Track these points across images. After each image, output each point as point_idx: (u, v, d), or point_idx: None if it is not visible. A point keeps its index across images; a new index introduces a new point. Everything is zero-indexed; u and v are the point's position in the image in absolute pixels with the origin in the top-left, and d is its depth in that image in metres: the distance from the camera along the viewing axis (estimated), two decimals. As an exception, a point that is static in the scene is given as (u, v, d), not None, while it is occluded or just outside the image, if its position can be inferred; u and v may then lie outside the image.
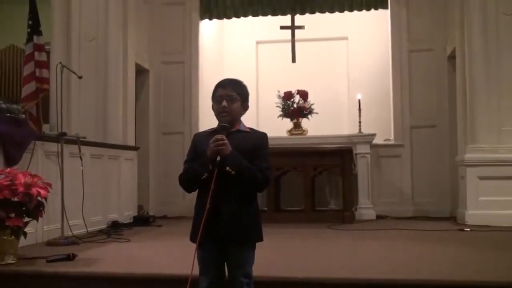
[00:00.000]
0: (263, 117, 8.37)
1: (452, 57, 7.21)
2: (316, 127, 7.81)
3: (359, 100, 7.63)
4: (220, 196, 2.42)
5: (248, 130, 2.63)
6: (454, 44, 6.87)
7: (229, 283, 2.53)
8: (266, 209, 6.70)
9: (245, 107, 2.63)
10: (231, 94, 2.57)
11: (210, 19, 8.27)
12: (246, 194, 2.52)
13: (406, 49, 7.68)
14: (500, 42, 6.20)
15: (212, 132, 2.56)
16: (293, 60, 8.27)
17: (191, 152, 2.63)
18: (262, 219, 2.61)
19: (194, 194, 2.60)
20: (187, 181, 2.58)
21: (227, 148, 2.43)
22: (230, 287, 2.52)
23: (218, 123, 2.56)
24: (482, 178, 6.05)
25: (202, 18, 8.22)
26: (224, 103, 2.54)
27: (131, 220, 6.71)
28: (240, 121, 2.63)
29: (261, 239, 2.57)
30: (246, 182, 2.48)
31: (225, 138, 2.44)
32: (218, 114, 2.58)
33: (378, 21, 8.29)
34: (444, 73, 7.53)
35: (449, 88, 7.41)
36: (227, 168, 2.42)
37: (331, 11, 7.97)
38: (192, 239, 2.53)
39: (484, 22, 6.23)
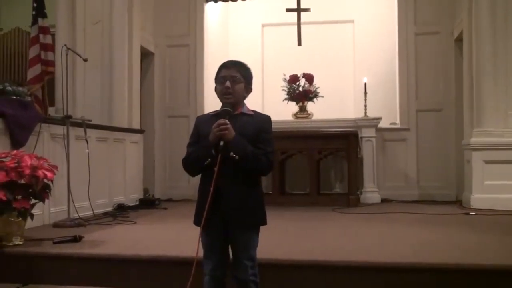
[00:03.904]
0: (268, 100, 8.36)
1: (459, 40, 7.15)
2: (321, 111, 7.80)
3: (365, 84, 7.60)
4: (224, 180, 2.42)
5: (252, 113, 2.60)
6: (461, 27, 6.80)
7: (233, 266, 2.54)
8: (271, 192, 6.72)
9: (248, 89, 2.61)
10: (235, 75, 2.55)
11: (216, 1, 8.20)
12: (249, 177, 2.52)
13: (413, 32, 7.61)
14: (509, 26, 6.14)
15: (215, 115, 2.55)
16: (299, 43, 8.22)
17: (194, 135, 2.62)
18: (267, 202, 2.61)
19: (199, 177, 2.60)
20: (191, 165, 2.57)
21: (230, 132, 2.41)
22: (234, 269, 2.53)
23: (221, 106, 2.55)
24: (488, 162, 6.04)
25: (207, 1, 8.16)
26: (228, 83, 2.52)
27: (137, 203, 6.75)
28: (243, 104, 2.61)
29: (264, 223, 2.58)
30: (250, 166, 2.47)
31: (228, 122, 2.41)
32: (221, 95, 2.56)
33: (385, 4, 8.23)
34: (451, 57, 7.47)
35: (455, 72, 7.36)
36: (231, 153, 2.41)
37: (338, -7, 7.91)
38: (196, 223, 2.54)
39: (493, 5, 6.16)
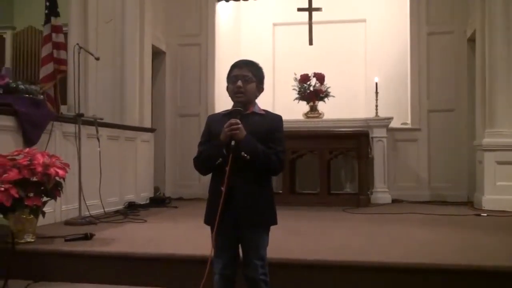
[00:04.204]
0: (279, 100, 8.34)
1: (472, 40, 7.09)
2: (332, 110, 7.77)
3: (376, 83, 7.57)
4: (235, 179, 2.42)
5: (263, 112, 2.60)
6: (474, 26, 6.75)
7: (243, 265, 2.54)
8: (281, 191, 6.71)
9: (260, 89, 2.61)
10: (247, 75, 2.55)
11: (227, 0, 8.20)
12: (260, 177, 2.51)
13: (425, 31, 7.56)
14: (522, 25, 6.09)
15: (226, 114, 2.55)
16: (310, 43, 8.20)
17: (205, 134, 2.62)
18: (277, 202, 2.60)
19: (209, 176, 2.60)
20: (202, 164, 2.57)
21: (241, 132, 2.41)
22: (244, 269, 2.53)
23: (233, 105, 2.55)
24: (500, 163, 5.99)
25: (218, 0, 8.17)
26: (239, 83, 2.52)
27: (147, 201, 6.78)
28: (255, 103, 2.61)
29: (275, 223, 2.57)
30: (261, 166, 2.46)
31: (239, 122, 2.41)
32: (233, 95, 2.56)
33: (397, 3, 8.18)
34: (463, 56, 7.41)
35: (468, 72, 7.29)
36: (242, 153, 2.41)
37: (349, -8, 7.89)
38: (206, 222, 2.54)
39: (506, 4, 6.10)
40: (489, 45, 6.18)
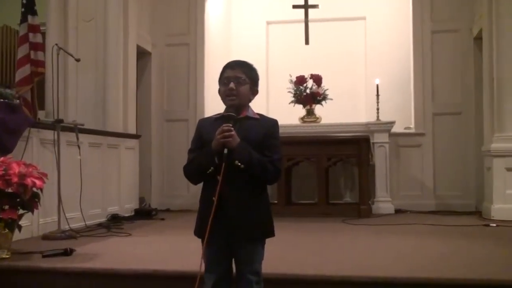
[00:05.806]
0: (274, 103, 8.35)
1: (478, 39, 7.14)
2: (330, 114, 7.77)
3: (377, 85, 7.59)
4: (228, 189, 2.41)
5: (257, 116, 2.60)
6: (481, 24, 6.80)
7: (236, 281, 2.52)
8: (276, 202, 6.69)
9: (254, 91, 2.61)
10: (240, 76, 2.54)
11: (217, -4, 8.24)
12: (255, 186, 2.51)
13: (429, 29, 7.61)
14: (531, 22, 6.13)
15: (218, 118, 2.54)
16: (306, 42, 8.22)
17: (196, 139, 2.61)
18: (272, 213, 2.60)
19: (200, 186, 2.59)
20: (192, 173, 2.56)
21: (234, 139, 2.40)
22: (237, 285, 2.52)
23: (225, 110, 2.54)
24: (510, 169, 6.02)
25: (208, -3, 8.21)
26: (232, 85, 2.52)
27: (132, 213, 6.76)
28: (248, 107, 2.60)
29: (272, 234, 2.56)
30: (256, 175, 2.46)
31: (232, 129, 2.41)
32: (224, 98, 2.55)
33: (399, -1, 8.23)
34: (470, 56, 7.45)
35: (475, 72, 7.34)
36: (236, 161, 2.40)
37: (348, -12, 7.94)
38: (197, 234, 2.53)
39: (514, 0, 6.16)
40: (496, 44, 6.21)
